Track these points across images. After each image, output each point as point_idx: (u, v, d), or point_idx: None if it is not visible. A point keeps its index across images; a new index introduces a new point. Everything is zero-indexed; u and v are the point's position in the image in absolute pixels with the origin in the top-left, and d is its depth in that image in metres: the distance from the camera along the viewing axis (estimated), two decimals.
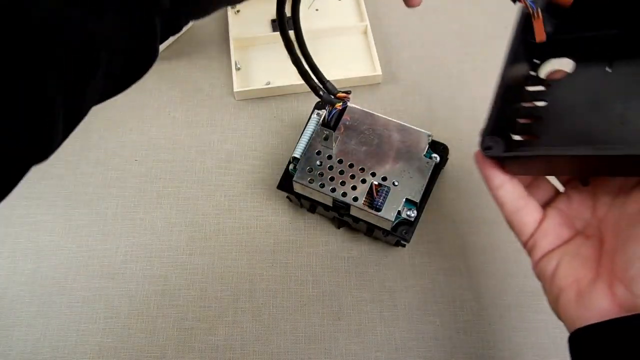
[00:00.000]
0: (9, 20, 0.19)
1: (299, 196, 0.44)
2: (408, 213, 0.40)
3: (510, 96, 0.30)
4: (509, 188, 0.30)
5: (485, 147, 0.29)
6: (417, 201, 0.40)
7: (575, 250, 0.28)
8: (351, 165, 0.41)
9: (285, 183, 0.44)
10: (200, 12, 0.27)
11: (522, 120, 0.31)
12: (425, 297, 0.44)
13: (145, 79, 0.58)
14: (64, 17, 0.20)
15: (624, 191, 0.28)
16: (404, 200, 0.40)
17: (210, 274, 0.45)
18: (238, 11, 0.57)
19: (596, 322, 0.25)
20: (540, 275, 0.30)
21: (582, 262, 0.28)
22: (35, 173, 0.52)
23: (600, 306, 0.25)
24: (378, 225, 0.41)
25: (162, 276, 0.45)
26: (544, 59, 0.31)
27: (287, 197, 0.47)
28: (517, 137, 0.31)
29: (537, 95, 0.31)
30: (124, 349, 0.42)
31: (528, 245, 0.30)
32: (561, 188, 0.32)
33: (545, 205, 0.31)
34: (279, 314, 0.44)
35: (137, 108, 0.53)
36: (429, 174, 0.41)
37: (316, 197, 0.42)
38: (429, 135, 0.42)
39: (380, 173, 0.41)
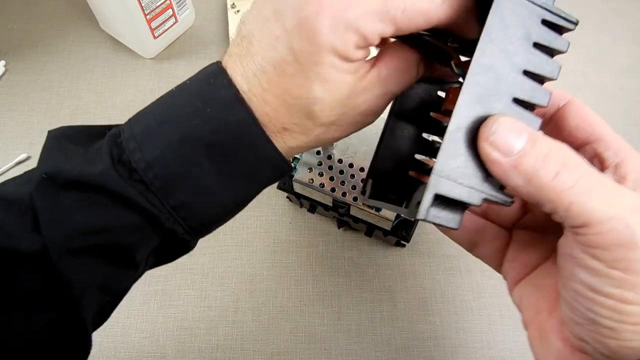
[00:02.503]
0: None
1: (299, 196, 0.44)
2: None
3: (404, 133, 0.30)
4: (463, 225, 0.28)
5: (362, 191, 0.30)
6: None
7: (539, 279, 0.25)
8: (351, 165, 0.41)
9: (285, 183, 0.44)
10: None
11: (420, 157, 0.31)
12: (425, 297, 0.44)
13: (146, 79, 0.58)
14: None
15: None
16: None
17: (210, 274, 0.45)
18: (238, 11, 0.57)
19: None
20: (516, 307, 0.27)
21: (543, 294, 0.25)
22: None
23: (557, 347, 0.23)
24: (378, 225, 0.41)
25: (162, 276, 0.45)
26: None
27: (287, 197, 0.47)
28: None
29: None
30: (124, 349, 0.42)
31: (503, 276, 0.28)
32: None
33: (514, 226, 0.28)
34: (279, 314, 0.44)
35: (137, 108, 0.53)
36: None
37: (316, 197, 0.42)
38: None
39: None
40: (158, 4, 0.51)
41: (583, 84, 0.56)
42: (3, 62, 0.56)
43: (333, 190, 0.40)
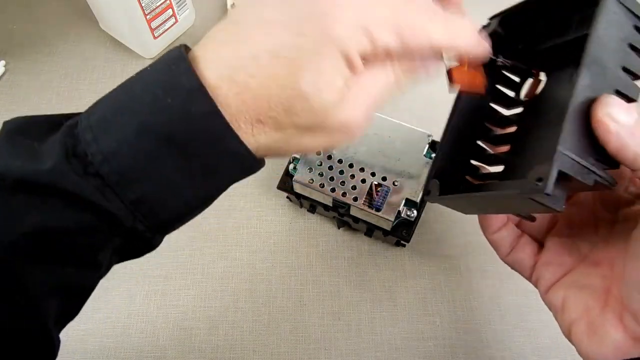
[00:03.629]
0: None
1: (299, 196, 0.44)
2: (408, 213, 0.40)
3: (461, 137, 0.31)
4: (503, 233, 0.30)
5: (425, 192, 0.30)
6: (417, 201, 0.40)
7: (581, 279, 0.27)
8: (351, 165, 0.41)
9: (285, 183, 0.44)
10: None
11: (475, 163, 0.32)
12: (425, 297, 0.44)
13: None
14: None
15: (624, 205, 0.27)
16: (404, 200, 0.40)
17: (210, 274, 0.45)
18: None
19: (614, 359, 0.23)
20: (550, 307, 0.28)
21: (590, 292, 0.26)
22: None
23: (614, 339, 0.23)
24: (378, 225, 0.41)
25: (162, 276, 0.45)
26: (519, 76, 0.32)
27: (287, 197, 0.47)
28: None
29: (503, 123, 0.31)
30: (124, 349, 0.42)
31: (533, 280, 0.29)
32: None
33: (546, 234, 0.30)
34: (279, 314, 0.44)
35: None
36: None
37: (316, 197, 0.42)
38: (429, 135, 0.42)
39: (380, 173, 0.41)
40: (158, 4, 0.51)
41: None
42: (3, 62, 0.56)
43: (333, 190, 0.40)
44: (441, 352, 0.42)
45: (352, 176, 0.41)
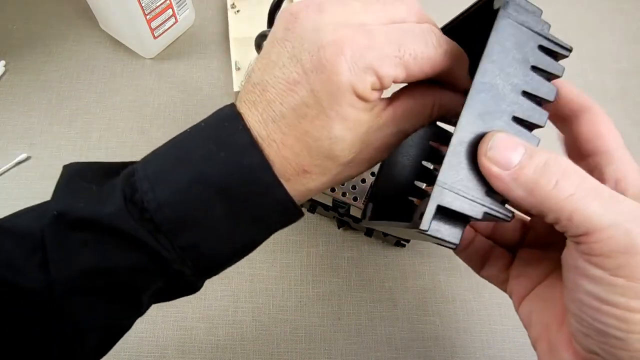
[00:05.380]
0: None
1: None
2: None
3: (406, 158, 0.31)
4: (472, 249, 0.30)
5: (362, 215, 0.30)
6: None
7: (545, 292, 0.26)
8: None
9: None
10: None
11: (418, 183, 0.32)
12: (425, 297, 0.44)
13: (146, 79, 0.58)
14: None
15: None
16: None
17: None
18: (238, 11, 0.57)
19: None
20: (522, 322, 0.27)
21: (551, 308, 0.25)
22: (35, 172, 0.52)
23: None
24: None
25: None
26: None
27: None
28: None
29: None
30: (124, 349, 0.42)
31: (508, 293, 0.28)
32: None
33: (518, 245, 0.29)
34: (279, 314, 0.44)
35: (137, 108, 0.53)
36: None
37: (316, 197, 0.42)
38: None
39: None
40: (158, 4, 0.51)
41: (583, 84, 0.56)
42: (3, 62, 0.56)
43: (333, 190, 0.40)
44: (441, 352, 0.42)
45: None
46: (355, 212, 0.41)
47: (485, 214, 0.21)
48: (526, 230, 0.30)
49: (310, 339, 0.43)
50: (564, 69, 0.22)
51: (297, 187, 0.24)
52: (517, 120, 0.21)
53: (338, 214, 0.43)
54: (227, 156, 0.23)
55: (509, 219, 0.22)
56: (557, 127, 0.26)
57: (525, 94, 0.21)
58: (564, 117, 0.25)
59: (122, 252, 0.23)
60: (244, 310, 0.44)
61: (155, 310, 0.44)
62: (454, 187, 0.20)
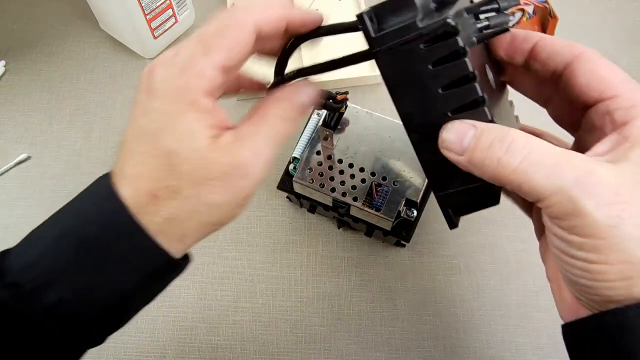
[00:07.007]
0: None
1: (299, 196, 0.44)
2: (408, 213, 0.40)
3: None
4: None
5: (449, 225, 0.31)
6: (417, 201, 0.40)
7: None
8: (351, 165, 0.41)
9: (285, 183, 0.44)
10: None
11: None
12: (425, 297, 0.44)
13: None
14: None
15: None
16: (404, 200, 0.40)
17: (210, 274, 0.45)
18: None
19: (568, 320, 0.24)
20: (541, 259, 0.28)
21: None
22: (35, 172, 0.52)
23: (569, 302, 0.24)
24: (378, 225, 0.41)
25: None
26: None
27: (287, 197, 0.47)
28: None
29: None
30: (124, 349, 0.42)
31: (533, 222, 0.29)
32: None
33: None
34: (279, 314, 0.44)
35: None
36: None
37: (316, 197, 0.42)
38: None
39: (380, 173, 0.41)
40: (158, 4, 0.51)
41: None
42: (3, 62, 0.56)
43: (333, 190, 0.40)
44: (441, 352, 0.42)
45: (352, 176, 0.41)
46: (355, 212, 0.41)
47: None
48: None
49: (310, 339, 0.43)
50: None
51: (154, 219, 0.22)
52: (456, 110, 0.23)
53: (338, 214, 0.43)
54: (86, 205, 0.23)
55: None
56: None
57: (445, 88, 0.23)
58: (555, 77, 0.25)
59: None
60: (244, 310, 0.44)
61: (156, 310, 0.44)
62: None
